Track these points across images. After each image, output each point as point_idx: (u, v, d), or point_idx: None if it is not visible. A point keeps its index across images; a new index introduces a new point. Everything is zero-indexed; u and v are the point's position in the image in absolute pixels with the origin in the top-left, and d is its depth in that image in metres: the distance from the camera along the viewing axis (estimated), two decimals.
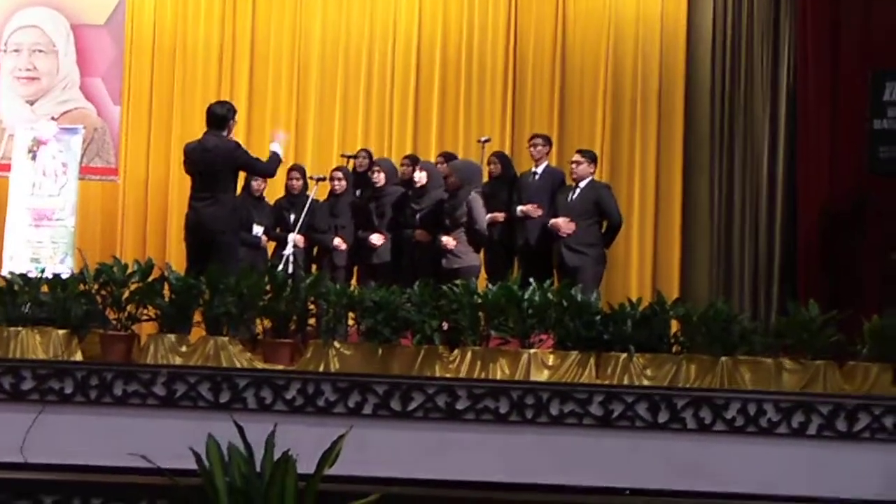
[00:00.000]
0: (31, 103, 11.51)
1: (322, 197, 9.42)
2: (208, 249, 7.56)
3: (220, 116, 7.80)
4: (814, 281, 9.86)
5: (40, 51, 11.55)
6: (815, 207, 10.11)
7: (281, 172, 9.91)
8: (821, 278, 9.86)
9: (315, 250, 9.32)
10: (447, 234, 8.32)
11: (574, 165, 8.93)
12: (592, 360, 6.53)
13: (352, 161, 9.92)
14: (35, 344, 6.58)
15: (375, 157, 9.81)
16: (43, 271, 7.31)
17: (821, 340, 6.55)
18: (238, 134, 10.98)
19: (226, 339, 6.61)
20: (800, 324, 6.62)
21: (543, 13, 11.51)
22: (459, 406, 6.22)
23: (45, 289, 6.85)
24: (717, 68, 11.01)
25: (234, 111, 7.99)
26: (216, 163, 7.66)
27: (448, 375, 6.46)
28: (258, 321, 6.94)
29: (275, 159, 8.00)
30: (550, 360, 6.53)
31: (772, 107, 10.69)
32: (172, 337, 6.63)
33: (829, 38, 10.15)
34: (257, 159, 7.99)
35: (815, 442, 6.18)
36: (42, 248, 10.57)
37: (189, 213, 7.83)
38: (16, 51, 11.55)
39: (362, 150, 10.20)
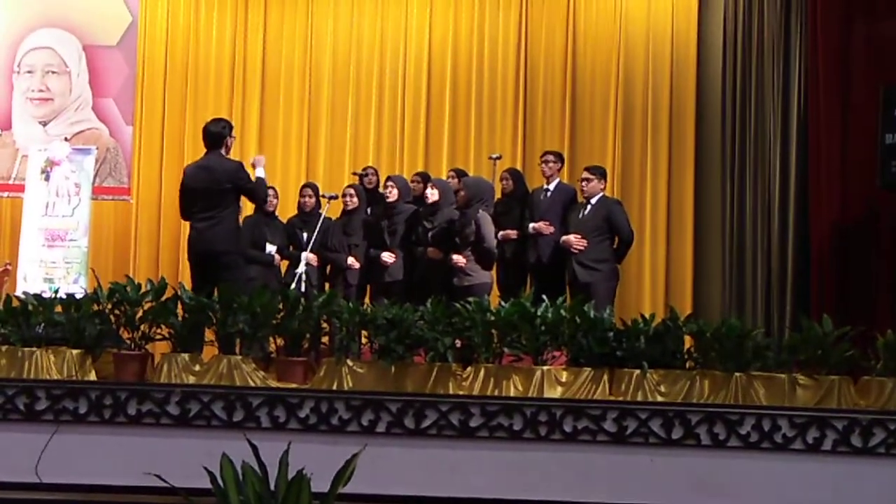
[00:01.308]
0: (44, 124, 11.58)
1: (334, 215, 9.44)
2: (213, 269, 7.52)
3: (215, 134, 7.73)
4: (827, 296, 9.83)
5: (53, 72, 11.62)
6: (827, 222, 10.08)
7: (293, 190, 9.95)
8: (833, 293, 9.83)
9: (328, 269, 9.32)
10: (458, 251, 8.32)
11: (584, 183, 8.93)
12: (606, 377, 6.52)
13: (361, 179, 9.91)
14: (49, 364, 6.59)
15: (388, 174, 9.82)
16: (56, 291, 7.34)
17: (835, 356, 6.53)
18: (249, 153, 11.07)
19: (239, 357, 6.62)
20: (813, 339, 6.60)
21: (554, 29, 11.54)
22: (473, 423, 6.21)
23: (58, 309, 6.86)
24: (727, 84, 11.01)
25: (231, 128, 7.88)
26: (219, 182, 7.61)
27: (461, 393, 6.46)
28: (271, 340, 6.94)
29: (262, 185, 8.03)
30: (564, 376, 6.52)
31: (783, 122, 10.68)
32: (186, 356, 6.64)
33: (840, 54, 10.15)
34: (255, 185, 7.98)
35: (830, 457, 6.16)
36: (55, 269, 10.61)
37: (191, 234, 7.78)
38: (29, 72, 11.63)
39: (369, 167, 10.23)
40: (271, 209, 9.30)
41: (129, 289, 6.76)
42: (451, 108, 11.62)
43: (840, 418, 6.20)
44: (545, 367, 6.52)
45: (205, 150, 7.81)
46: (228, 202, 7.69)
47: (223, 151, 7.77)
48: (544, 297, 6.94)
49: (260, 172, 7.98)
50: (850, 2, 10.15)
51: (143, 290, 6.79)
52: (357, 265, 9.04)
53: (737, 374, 6.46)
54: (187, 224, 8.58)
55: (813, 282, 10.15)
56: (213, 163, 7.69)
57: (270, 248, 9.12)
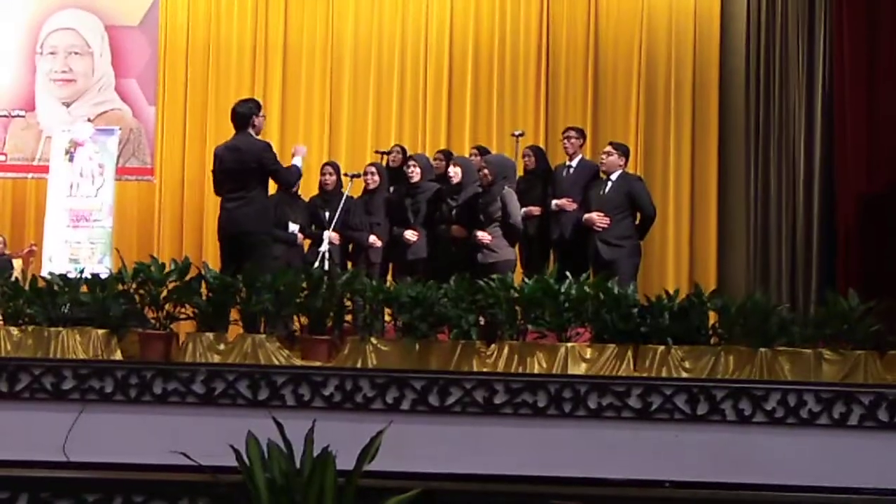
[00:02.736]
0: (68, 105, 11.62)
1: (356, 194, 9.44)
2: (241, 249, 7.58)
3: (242, 115, 7.78)
4: (852, 270, 9.78)
5: (76, 53, 11.66)
6: (852, 195, 10.02)
7: (315, 169, 9.97)
8: (860, 267, 9.77)
9: (350, 247, 9.33)
10: (482, 229, 8.31)
11: (604, 156, 8.91)
12: (630, 353, 6.50)
13: (385, 157, 9.93)
14: (75, 344, 6.63)
15: (410, 153, 9.82)
16: (82, 272, 7.36)
17: (861, 330, 6.49)
18: (272, 132, 11.09)
19: (263, 336, 6.64)
20: (839, 314, 6.56)
21: (576, 5, 11.49)
22: (497, 400, 6.21)
23: (84, 289, 6.89)
24: (751, 57, 10.94)
25: (259, 107, 7.93)
26: (247, 162, 7.67)
27: (485, 370, 6.45)
28: (295, 318, 6.95)
29: (295, 171, 8.11)
30: (588, 353, 6.51)
31: (807, 95, 10.60)
32: (210, 335, 6.65)
33: (866, 25, 10.06)
34: (282, 167, 7.99)
35: (857, 432, 6.13)
36: (80, 249, 10.67)
37: (221, 214, 7.84)
38: (52, 53, 11.67)
39: (396, 145, 10.22)
40: (295, 190, 9.31)
41: (153, 268, 6.78)
42: (473, 84, 11.59)
43: (866, 393, 6.15)
44: (569, 344, 6.51)
45: (233, 131, 7.84)
46: (257, 182, 7.75)
47: (252, 131, 7.80)
48: (568, 273, 6.92)
49: (297, 161, 8.03)
50: None
51: (167, 269, 6.81)
52: (379, 243, 9.04)
53: (762, 349, 6.43)
54: (211, 203, 8.62)
55: (839, 256, 10.09)
56: (241, 143, 7.73)
57: (293, 228, 9.14)
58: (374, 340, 6.60)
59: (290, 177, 8.16)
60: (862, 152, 10.00)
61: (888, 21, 9.97)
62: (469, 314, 6.59)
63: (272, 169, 7.83)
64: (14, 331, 6.71)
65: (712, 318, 6.80)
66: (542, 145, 10.33)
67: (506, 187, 8.35)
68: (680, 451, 6.15)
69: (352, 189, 9.31)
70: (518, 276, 8.16)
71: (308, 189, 9.79)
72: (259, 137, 7.93)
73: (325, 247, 8.85)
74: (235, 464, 5.41)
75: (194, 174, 11.52)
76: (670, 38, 11.35)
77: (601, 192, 8.80)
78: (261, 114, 7.94)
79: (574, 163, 9.15)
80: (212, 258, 9.12)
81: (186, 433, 6.10)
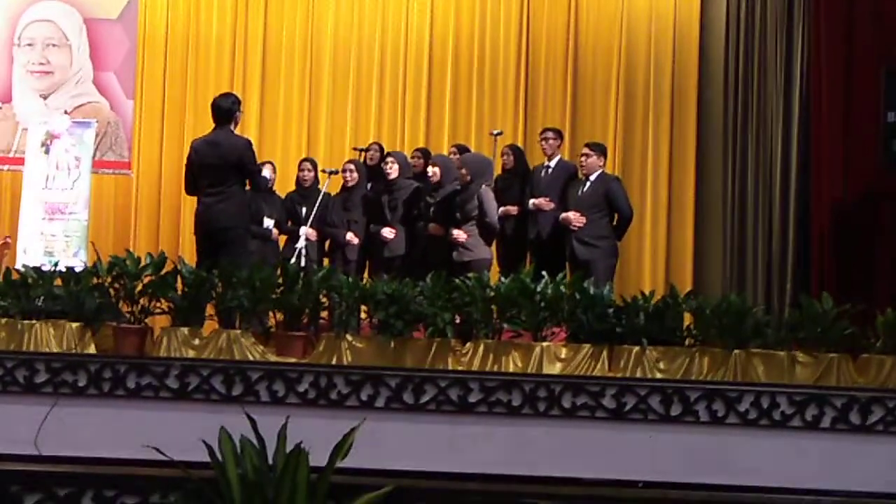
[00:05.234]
0: (45, 97, 11.55)
1: (334, 190, 9.42)
2: (218, 244, 7.53)
3: (225, 110, 7.69)
4: (827, 273, 9.84)
5: (54, 45, 11.59)
6: (828, 201, 10.08)
7: (293, 166, 9.95)
8: (834, 272, 9.83)
9: (327, 244, 9.32)
10: (458, 227, 8.31)
11: (583, 158, 8.93)
12: (605, 353, 6.51)
13: (363, 154, 9.92)
14: (49, 337, 6.59)
15: (388, 150, 9.81)
16: (56, 264, 7.32)
17: (834, 333, 6.52)
18: (250, 128, 11.06)
19: (238, 332, 6.61)
20: (813, 317, 6.59)
21: (556, 6, 11.50)
22: (472, 399, 6.21)
23: (58, 282, 6.85)
24: (730, 62, 10.99)
25: (239, 103, 7.85)
26: (228, 158, 7.60)
27: (460, 368, 6.45)
28: (271, 314, 6.94)
29: (264, 182, 8.13)
30: (563, 352, 6.51)
31: (785, 100, 10.66)
32: (185, 330, 6.63)
33: (843, 32, 10.12)
34: (259, 169, 7.96)
35: (829, 435, 6.16)
36: (55, 242, 10.61)
37: (199, 209, 7.76)
38: (29, 45, 11.59)
39: (374, 143, 10.21)
40: (271, 185, 9.30)
41: (128, 262, 6.75)
42: (452, 84, 11.59)
43: (839, 396, 6.19)
44: (544, 344, 6.52)
45: (212, 125, 7.78)
46: (236, 178, 7.66)
47: (231, 127, 7.74)
48: (544, 273, 6.93)
49: (266, 174, 8.02)
50: None
51: (142, 263, 6.78)
52: (356, 241, 9.04)
53: (736, 351, 6.46)
54: (188, 198, 8.56)
55: (813, 261, 10.15)
56: (221, 138, 7.66)
57: (268, 223, 9.12)
58: (349, 337, 6.59)
59: (263, 184, 8.15)
60: (837, 158, 10.07)
61: (865, 29, 10.02)
62: (445, 312, 6.58)
63: (252, 169, 7.78)
64: None
65: (687, 319, 6.82)
66: (520, 145, 10.34)
67: (483, 186, 8.36)
68: (653, 451, 6.17)
69: (329, 186, 9.30)
70: (494, 275, 8.16)
71: (285, 185, 9.77)
72: (238, 133, 7.89)
73: (301, 243, 8.83)
74: (208, 459, 5.40)
75: (172, 169, 11.46)
76: (650, 42, 11.38)
77: (579, 192, 8.83)
78: (240, 109, 7.90)
79: (552, 163, 9.17)
80: (188, 253, 9.09)
81: (159, 428, 6.08)
